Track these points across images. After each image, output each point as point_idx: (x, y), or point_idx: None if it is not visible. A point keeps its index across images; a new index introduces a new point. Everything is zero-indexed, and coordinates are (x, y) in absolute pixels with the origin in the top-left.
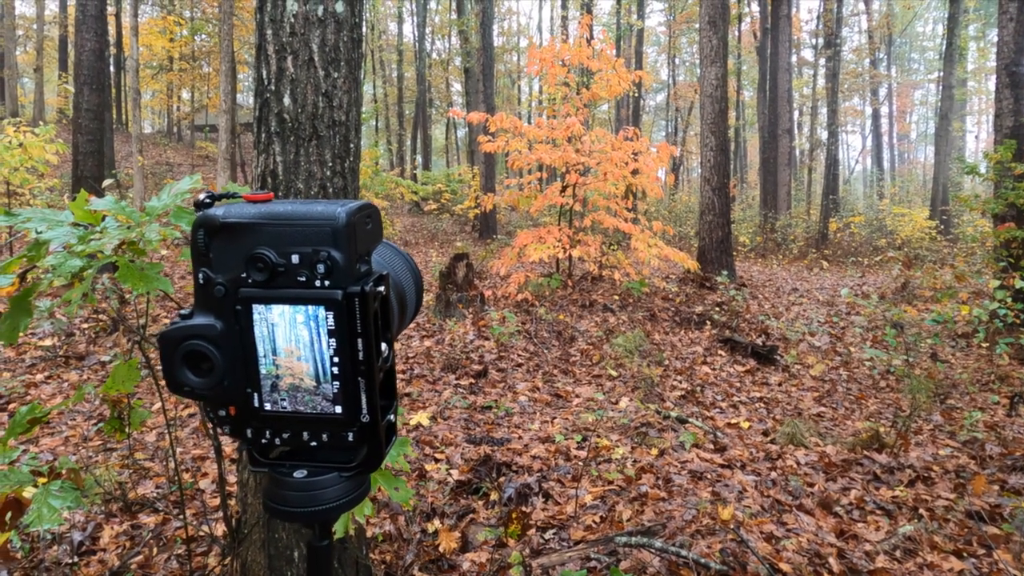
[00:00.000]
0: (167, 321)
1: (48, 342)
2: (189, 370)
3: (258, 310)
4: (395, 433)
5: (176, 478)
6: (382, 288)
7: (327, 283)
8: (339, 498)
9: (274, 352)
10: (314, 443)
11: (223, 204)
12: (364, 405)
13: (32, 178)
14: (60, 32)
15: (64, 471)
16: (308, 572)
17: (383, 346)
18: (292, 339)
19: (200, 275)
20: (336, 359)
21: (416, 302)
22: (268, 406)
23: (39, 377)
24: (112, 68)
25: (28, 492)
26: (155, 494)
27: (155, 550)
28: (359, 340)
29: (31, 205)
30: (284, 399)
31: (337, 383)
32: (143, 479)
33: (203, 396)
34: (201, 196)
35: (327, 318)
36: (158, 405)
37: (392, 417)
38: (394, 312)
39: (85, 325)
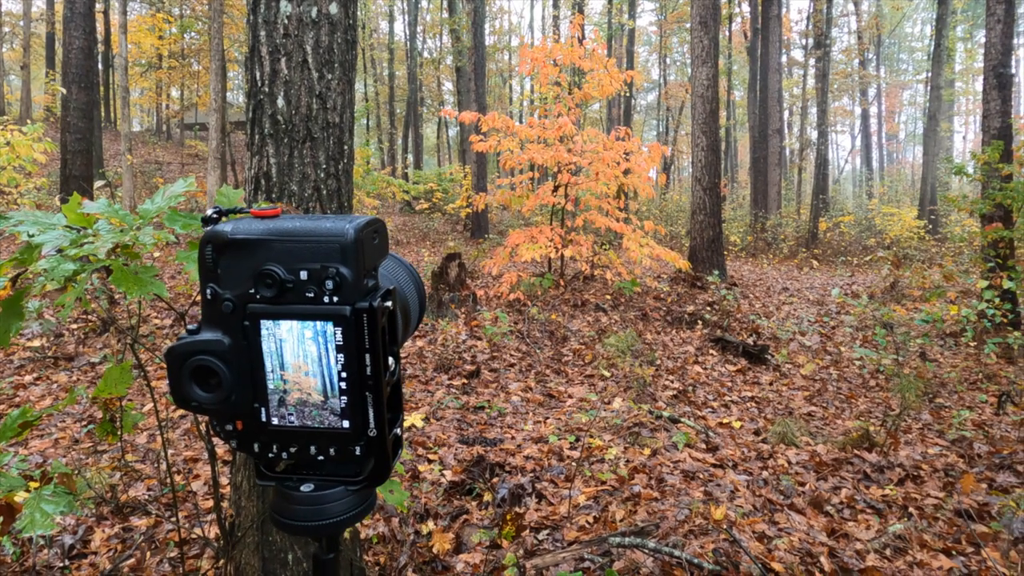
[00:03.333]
0: (157, 322)
1: (37, 343)
2: (197, 385)
3: (266, 325)
4: (401, 446)
5: (168, 480)
6: (389, 303)
7: (335, 299)
8: (346, 512)
9: (282, 367)
10: (321, 457)
11: (231, 219)
12: (371, 419)
13: (20, 177)
14: (47, 29)
15: (56, 476)
16: None
17: (390, 360)
18: (300, 354)
19: (208, 291)
20: (344, 374)
21: (419, 313)
22: (275, 420)
23: (28, 378)
24: (100, 66)
25: (19, 496)
26: (147, 496)
27: (147, 553)
28: (367, 355)
29: (19, 204)
30: (291, 414)
31: (345, 398)
32: (134, 481)
33: (210, 411)
34: (209, 212)
35: (335, 334)
36: (149, 406)
37: (399, 430)
38: (399, 325)
39: (74, 326)
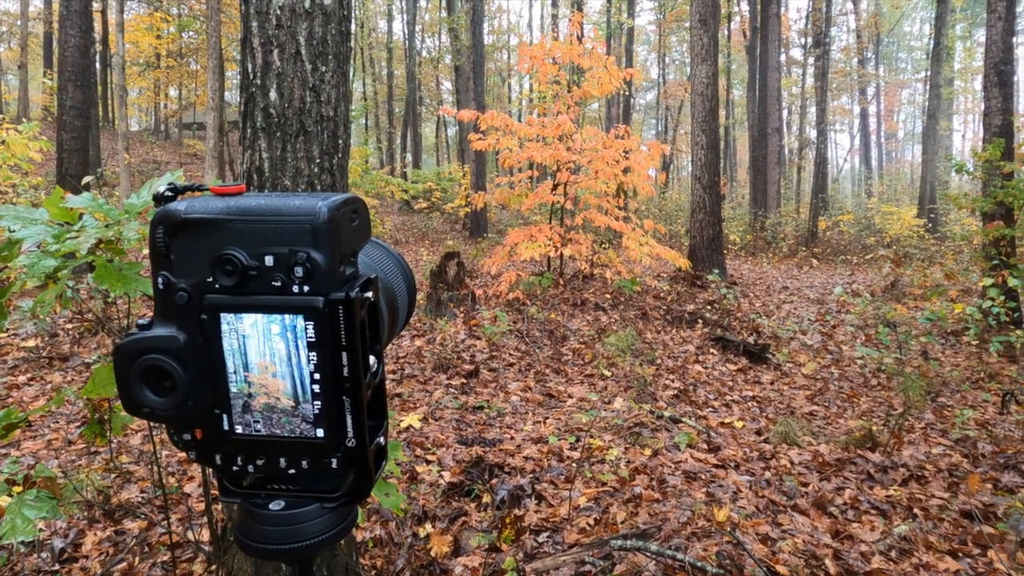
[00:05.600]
0: None
1: (31, 343)
2: (148, 388)
3: (227, 320)
4: (385, 457)
5: (160, 483)
6: (370, 293)
7: (306, 289)
8: (321, 532)
9: (246, 367)
10: (292, 470)
11: (187, 198)
12: (350, 427)
13: (15, 176)
14: (45, 28)
15: (39, 479)
16: None
17: (371, 359)
18: (266, 353)
19: (160, 279)
20: (317, 375)
21: (408, 307)
22: (239, 429)
23: (21, 379)
24: (98, 65)
25: (2, 501)
26: (139, 499)
27: (139, 557)
28: (344, 354)
29: (14, 203)
30: (258, 421)
31: (318, 403)
32: (127, 483)
33: (165, 418)
34: (161, 188)
35: (306, 329)
36: None
37: (382, 440)
38: (384, 320)
39: (69, 326)
